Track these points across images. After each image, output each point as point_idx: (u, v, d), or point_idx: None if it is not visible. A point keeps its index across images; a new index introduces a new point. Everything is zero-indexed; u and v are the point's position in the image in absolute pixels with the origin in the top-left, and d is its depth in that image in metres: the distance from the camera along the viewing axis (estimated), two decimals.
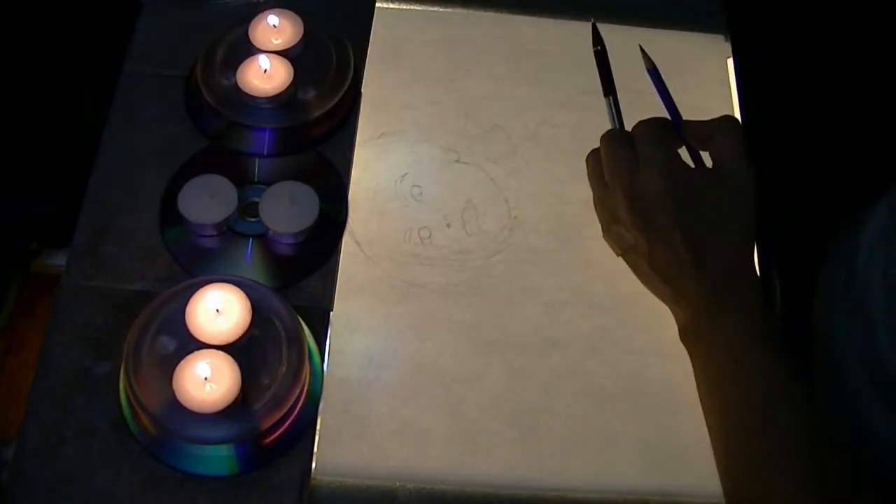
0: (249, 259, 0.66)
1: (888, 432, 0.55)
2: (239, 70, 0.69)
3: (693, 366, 0.60)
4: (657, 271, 0.61)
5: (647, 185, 0.61)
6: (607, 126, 0.76)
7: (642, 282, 0.64)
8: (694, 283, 0.59)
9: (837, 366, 0.58)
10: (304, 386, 0.60)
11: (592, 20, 0.66)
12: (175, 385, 0.56)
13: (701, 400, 0.59)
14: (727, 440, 0.56)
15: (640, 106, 0.78)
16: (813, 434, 0.54)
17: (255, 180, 0.69)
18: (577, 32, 0.78)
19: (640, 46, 0.65)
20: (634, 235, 0.61)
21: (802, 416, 0.54)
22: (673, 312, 0.63)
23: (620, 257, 0.65)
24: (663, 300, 0.63)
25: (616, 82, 0.79)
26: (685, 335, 0.61)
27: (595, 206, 0.66)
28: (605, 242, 0.66)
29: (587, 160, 0.66)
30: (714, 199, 0.60)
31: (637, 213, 0.61)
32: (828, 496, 0.51)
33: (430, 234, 0.71)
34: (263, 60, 0.69)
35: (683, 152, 0.65)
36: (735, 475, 0.55)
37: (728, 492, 0.55)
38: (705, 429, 0.65)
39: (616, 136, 0.64)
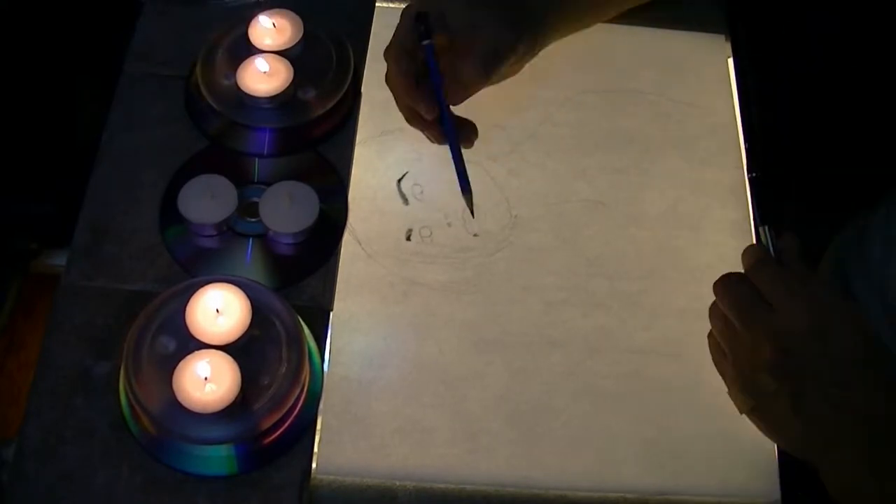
0: (249, 259, 0.66)
1: None
2: (239, 70, 0.69)
3: None
4: (802, 417, 0.54)
5: (786, 321, 0.55)
6: (609, 125, 0.76)
7: (772, 434, 0.58)
8: (846, 424, 0.53)
9: None
10: (304, 386, 0.60)
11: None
12: (175, 385, 0.56)
13: None
14: None
15: (641, 105, 0.78)
16: None
17: (255, 180, 0.69)
18: (576, 32, 0.78)
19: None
20: (780, 379, 0.55)
21: None
22: (814, 464, 0.55)
23: (745, 414, 0.58)
24: (801, 454, 0.57)
25: (616, 82, 0.79)
26: (840, 485, 0.54)
27: (716, 362, 0.61)
28: (730, 398, 0.59)
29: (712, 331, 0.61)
30: (850, 327, 0.55)
31: (779, 355, 0.54)
32: None
33: (431, 232, 0.71)
34: (263, 61, 0.69)
35: None
36: None
37: None
38: (705, 429, 0.65)
39: (733, 278, 0.59)
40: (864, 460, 0.53)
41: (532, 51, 0.64)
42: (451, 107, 0.64)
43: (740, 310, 0.57)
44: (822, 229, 0.77)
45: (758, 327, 0.56)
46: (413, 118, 0.66)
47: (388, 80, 0.66)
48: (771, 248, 0.59)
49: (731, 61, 0.80)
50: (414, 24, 0.63)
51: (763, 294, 0.57)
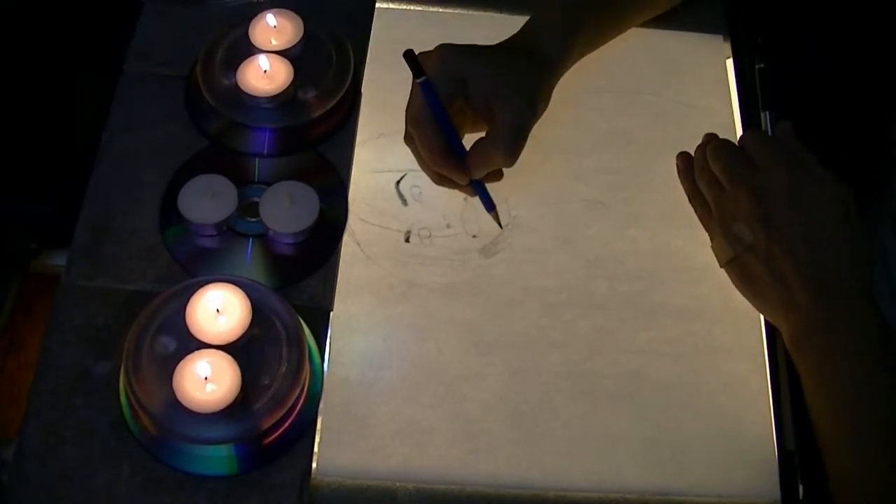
0: (249, 259, 0.66)
1: None
2: (239, 70, 0.69)
3: (802, 372, 0.59)
4: (772, 274, 0.59)
5: (769, 180, 0.60)
6: (608, 125, 0.76)
7: (745, 291, 0.63)
8: (808, 289, 0.58)
9: None
10: (304, 386, 0.60)
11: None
12: (175, 385, 0.56)
13: (811, 406, 0.59)
14: (842, 440, 0.56)
15: (640, 105, 0.78)
16: None
17: (255, 180, 0.69)
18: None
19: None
20: (755, 232, 0.60)
21: None
22: (776, 321, 0.62)
23: (723, 268, 0.64)
24: (766, 309, 0.62)
25: (615, 82, 0.79)
26: (795, 343, 0.59)
27: (701, 218, 0.67)
28: (712, 250, 0.65)
29: (680, 176, 0.68)
30: (833, 201, 0.59)
31: (758, 206, 0.60)
32: None
33: (430, 233, 0.71)
34: (263, 60, 0.69)
35: None
36: (850, 475, 0.55)
37: (837, 489, 0.56)
38: (705, 429, 0.65)
39: (726, 143, 0.65)
40: (820, 321, 0.57)
41: (549, 98, 0.65)
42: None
43: (729, 167, 0.63)
44: None
45: (742, 182, 0.61)
46: (441, 179, 0.65)
47: (408, 143, 0.65)
48: (769, 131, 0.64)
49: (730, 62, 0.80)
50: (406, 61, 0.62)
51: (752, 157, 0.62)
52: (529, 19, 0.68)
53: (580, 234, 0.72)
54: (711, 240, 0.65)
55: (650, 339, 0.68)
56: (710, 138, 0.67)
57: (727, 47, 0.81)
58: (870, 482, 0.55)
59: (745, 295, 0.63)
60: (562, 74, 0.66)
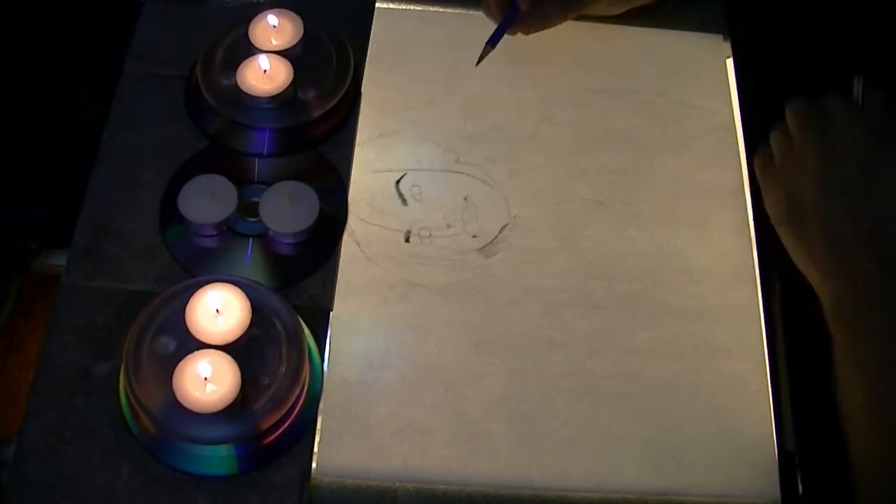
0: (249, 259, 0.66)
1: None
2: (239, 70, 0.69)
3: (838, 343, 0.57)
4: (829, 235, 0.58)
5: (846, 141, 0.59)
6: (608, 125, 0.76)
7: (796, 251, 0.61)
8: (865, 256, 0.56)
9: None
10: (304, 386, 0.60)
11: None
12: (175, 385, 0.56)
13: (842, 380, 0.57)
14: (877, 425, 0.54)
15: (640, 105, 0.78)
16: None
17: (255, 180, 0.69)
18: (576, 31, 0.78)
19: None
20: (816, 191, 0.58)
21: None
22: (822, 287, 0.59)
23: (777, 226, 0.62)
24: (814, 272, 0.60)
25: (615, 82, 0.79)
26: (838, 310, 0.57)
27: (760, 171, 0.65)
28: (765, 207, 0.64)
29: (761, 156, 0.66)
30: None
31: (826, 166, 0.58)
32: None
33: (430, 233, 0.71)
34: (263, 60, 0.69)
35: None
36: (881, 464, 0.54)
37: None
38: (705, 429, 0.65)
39: (805, 104, 0.63)
40: (873, 287, 0.55)
41: None
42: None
43: (804, 123, 0.61)
44: None
45: (814, 139, 0.59)
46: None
47: None
48: (860, 99, 0.62)
49: (730, 61, 0.80)
50: None
51: (832, 118, 0.60)
52: None
53: (580, 234, 0.72)
54: (765, 194, 0.63)
55: (650, 339, 0.68)
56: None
57: (727, 47, 0.81)
58: None
59: (793, 255, 0.61)
60: None
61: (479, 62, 0.66)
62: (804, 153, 0.60)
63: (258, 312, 0.60)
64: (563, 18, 0.66)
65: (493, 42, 0.65)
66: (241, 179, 0.68)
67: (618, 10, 0.72)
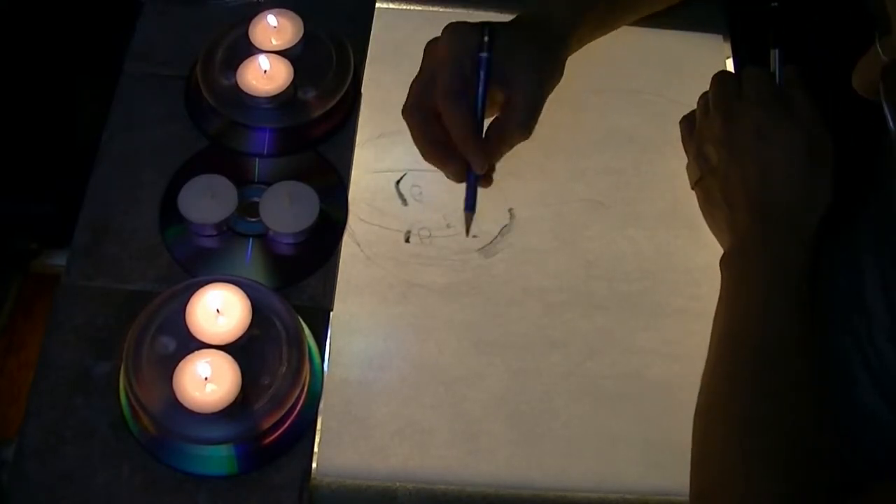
0: (249, 259, 0.66)
1: (883, 421, 0.56)
2: (239, 70, 0.69)
3: (720, 290, 0.61)
4: (724, 194, 0.62)
5: (745, 111, 0.62)
6: (608, 125, 0.77)
7: (705, 213, 0.65)
8: (748, 214, 0.60)
9: (835, 353, 0.59)
10: (304, 386, 0.60)
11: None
12: (175, 385, 0.56)
13: (713, 324, 0.60)
14: (721, 363, 0.57)
15: (639, 105, 0.78)
16: (802, 390, 0.54)
17: (255, 180, 0.69)
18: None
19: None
20: (718, 154, 0.62)
21: (802, 372, 0.55)
22: (720, 240, 0.64)
23: (693, 189, 0.66)
24: (716, 231, 0.64)
25: (615, 82, 0.79)
26: (724, 259, 0.61)
27: (683, 140, 0.68)
28: (685, 171, 0.67)
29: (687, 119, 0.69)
30: (801, 146, 0.61)
31: (727, 131, 0.62)
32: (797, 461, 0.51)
33: (430, 233, 0.71)
34: (263, 60, 0.69)
35: None
36: (717, 400, 0.57)
37: (704, 407, 0.57)
38: None
39: (726, 73, 0.67)
40: (749, 244, 0.60)
41: (559, 77, 0.65)
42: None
43: (718, 93, 0.64)
44: (820, 226, 0.76)
45: (723, 108, 0.63)
46: (435, 157, 0.62)
47: (416, 138, 0.62)
48: (777, 73, 0.65)
49: (730, 61, 0.80)
50: (473, 30, 0.60)
51: (742, 89, 0.63)
52: None
53: (580, 235, 0.72)
54: (687, 157, 0.67)
55: (650, 339, 0.68)
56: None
57: (727, 47, 0.81)
58: (732, 410, 0.55)
59: (704, 217, 0.65)
60: (571, 52, 0.66)
61: (468, 232, 0.65)
62: (713, 121, 0.64)
63: (258, 312, 0.60)
64: (533, 124, 0.64)
65: (470, 206, 0.61)
66: (241, 179, 0.68)
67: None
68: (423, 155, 0.62)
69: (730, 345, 0.58)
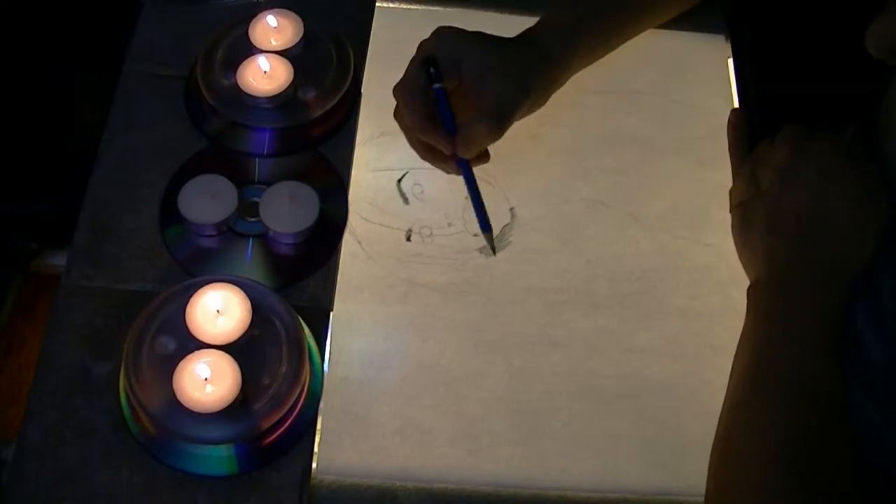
0: (249, 259, 0.66)
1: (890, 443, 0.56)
2: (239, 70, 0.69)
3: (746, 319, 0.60)
4: (770, 220, 0.60)
5: (816, 148, 0.61)
6: (610, 125, 0.76)
7: (739, 237, 0.63)
8: (791, 247, 0.59)
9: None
10: (304, 386, 0.60)
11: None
12: (175, 385, 0.56)
13: (737, 353, 0.59)
14: (742, 399, 0.57)
15: (640, 106, 0.78)
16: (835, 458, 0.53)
17: (255, 180, 0.69)
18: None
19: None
20: (774, 180, 0.61)
21: (835, 437, 0.54)
22: (748, 267, 0.62)
23: (731, 212, 0.65)
24: (748, 252, 0.63)
25: (616, 82, 0.79)
26: (754, 290, 0.60)
27: (733, 163, 0.67)
28: (729, 193, 0.66)
29: (729, 126, 0.68)
30: (862, 198, 0.59)
31: (792, 161, 0.61)
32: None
33: (432, 232, 0.71)
34: (263, 61, 0.69)
35: None
36: (731, 432, 0.56)
37: (723, 439, 0.57)
38: (705, 429, 0.65)
39: (799, 126, 0.65)
40: (785, 283, 0.58)
41: (548, 93, 0.64)
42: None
43: (791, 129, 0.63)
44: None
45: (795, 140, 0.62)
46: (426, 152, 0.64)
47: (397, 116, 0.64)
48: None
49: (731, 62, 0.80)
50: (420, 67, 0.61)
51: (816, 135, 0.62)
52: (538, 20, 0.67)
53: (581, 234, 0.72)
54: (733, 180, 0.66)
55: (650, 339, 0.68)
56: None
57: (728, 48, 0.81)
58: (741, 442, 0.55)
59: (736, 241, 0.63)
60: (564, 74, 0.65)
61: (494, 250, 0.66)
62: (779, 147, 0.62)
63: (258, 312, 0.60)
64: (493, 138, 0.64)
65: (485, 227, 0.62)
66: (241, 179, 0.68)
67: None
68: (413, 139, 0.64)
69: (757, 383, 0.56)
